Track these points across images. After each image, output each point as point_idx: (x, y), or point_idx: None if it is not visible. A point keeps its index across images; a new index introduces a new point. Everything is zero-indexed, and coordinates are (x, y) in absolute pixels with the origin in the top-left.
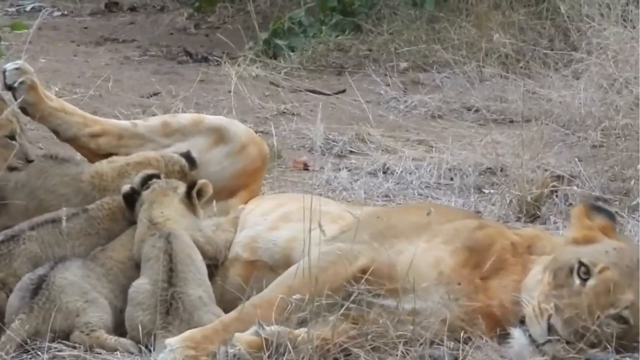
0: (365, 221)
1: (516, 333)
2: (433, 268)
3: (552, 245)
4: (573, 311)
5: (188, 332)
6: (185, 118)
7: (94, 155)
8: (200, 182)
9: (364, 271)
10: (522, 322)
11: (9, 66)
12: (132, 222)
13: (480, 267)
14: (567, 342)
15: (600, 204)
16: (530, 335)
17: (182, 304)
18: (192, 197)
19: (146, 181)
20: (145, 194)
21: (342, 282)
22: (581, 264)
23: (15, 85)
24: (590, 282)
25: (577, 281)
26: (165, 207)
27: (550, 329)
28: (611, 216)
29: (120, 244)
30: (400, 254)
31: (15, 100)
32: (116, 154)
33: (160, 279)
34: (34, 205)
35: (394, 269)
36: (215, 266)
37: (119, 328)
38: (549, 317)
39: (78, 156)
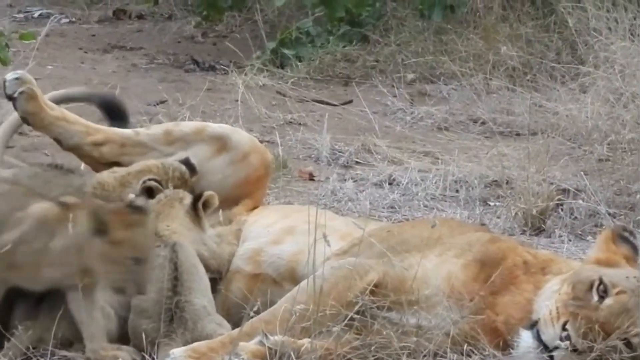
0: (376, 235)
1: (524, 334)
2: (444, 282)
3: (569, 267)
4: (589, 324)
5: (195, 344)
6: (187, 126)
7: (98, 163)
8: (207, 193)
9: (375, 285)
10: (532, 326)
11: (9, 76)
12: None
13: (491, 281)
14: (573, 351)
15: (627, 234)
16: (538, 339)
17: (186, 312)
18: (198, 209)
19: (145, 182)
20: (151, 204)
21: (354, 296)
22: (601, 281)
23: (15, 95)
24: (607, 301)
25: (596, 297)
26: (171, 220)
27: (563, 335)
28: (635, 249)
29: None
30: (412, 268)
31: (16, 110)
32: (119, 163)
33: (165, 287)
34: None
35: (406, 283)
36: (216, 279)
37: (122, 337)
38: (566, 322)
39: (82, 167)
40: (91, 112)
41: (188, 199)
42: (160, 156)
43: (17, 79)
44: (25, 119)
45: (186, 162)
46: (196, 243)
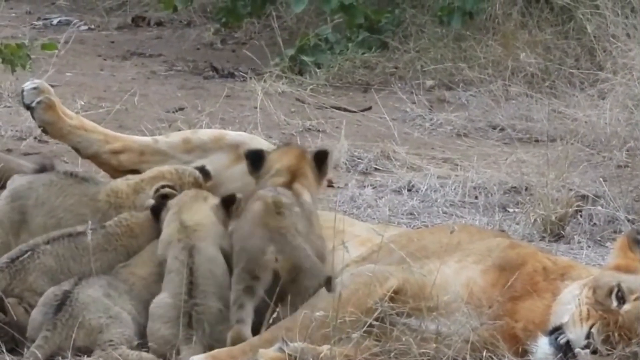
0: (396, 242)
1: (541, 340)
2: (464, 288)
3: (589, 274)
4: (609, 329)
5: (215, 351)
6: (206, 134)
7: (116, 171)
8: (239, 196)
9: (395, 292)
10: (550, 332)
11: (27, 85)
12: (153, 237)
13: (511, 286)
14: (594, 353)
15: None
16: (556, 345)
17: (203, 315)
18: (232, 211)
19: (159, 190)
20: (173, 200)
21: (373, 303)
22: (619, 288)
23: (33, 104)
24: (626, 307)
25: (615, 302)
26: (195, 213)
27: (589, 337)
28: None
29: (142, 261)
30: (431, 274)
31: (34, 119)
32: (138, 171)
33: (183, 292)
34: (52, 223)
35: (425, 289)
36: None
37: (141, 345)
38: (593, 324)
39: (101, 173)
40: (110, 119)
41: (212, 199)
42: (178, 164)
43: (34, 88)
44: (43, 128)
45: (201, 169)
46: (219, 237)
